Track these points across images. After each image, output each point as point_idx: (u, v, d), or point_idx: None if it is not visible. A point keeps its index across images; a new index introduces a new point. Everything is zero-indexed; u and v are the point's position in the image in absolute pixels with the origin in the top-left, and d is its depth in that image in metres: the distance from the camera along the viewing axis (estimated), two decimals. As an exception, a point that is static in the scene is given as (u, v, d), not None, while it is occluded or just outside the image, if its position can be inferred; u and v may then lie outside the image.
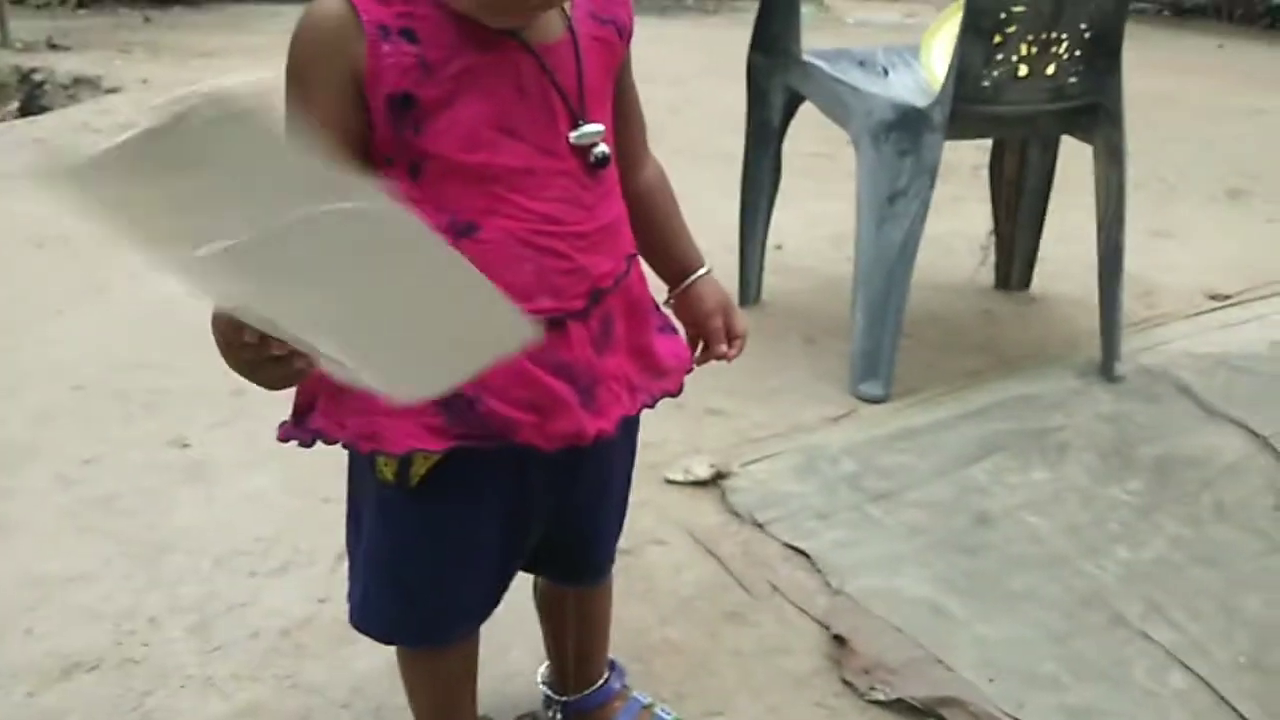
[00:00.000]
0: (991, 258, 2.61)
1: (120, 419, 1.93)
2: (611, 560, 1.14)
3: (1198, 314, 2.44)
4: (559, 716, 1.20)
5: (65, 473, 1.76)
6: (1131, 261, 2.15)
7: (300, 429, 0.92)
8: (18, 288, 2.51)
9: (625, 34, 0.93)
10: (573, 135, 0.86)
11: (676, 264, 1.05)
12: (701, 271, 1.06)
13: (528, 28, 0.84)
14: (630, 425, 1.04)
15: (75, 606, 1.43)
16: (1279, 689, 1.29)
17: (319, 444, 0.93)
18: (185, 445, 1.85)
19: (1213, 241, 2.99)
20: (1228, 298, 2.55)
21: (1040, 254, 2.60)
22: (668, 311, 1.05)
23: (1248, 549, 1.57)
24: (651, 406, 0.99)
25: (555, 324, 0.88)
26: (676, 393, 1.01)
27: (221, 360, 0.77)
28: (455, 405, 0.87)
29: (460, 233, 0.82)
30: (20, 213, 2.99)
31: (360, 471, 0.99)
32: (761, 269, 2.48)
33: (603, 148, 0.87)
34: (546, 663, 1.23)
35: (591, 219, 0.88)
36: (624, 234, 0.95)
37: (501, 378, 0.87)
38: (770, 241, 2.52)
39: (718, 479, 1.73)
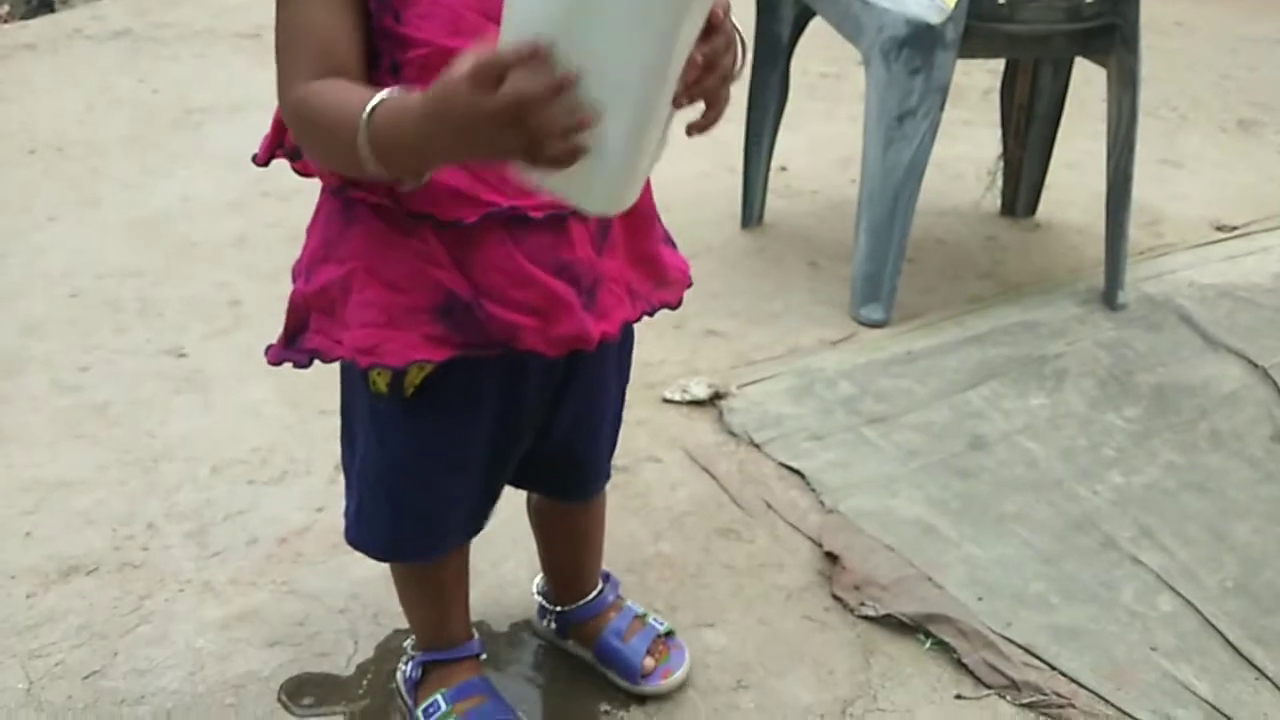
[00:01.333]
0: (999, 183, 2.57)
1: (114, 327, 1.92)
2: (606, 477, 1.14)
3: (1203, 244, 2.41)
4: (553, 625, 1.22)
5: (60, 379, 1.75)
6: (1139, 190, 2.12)
7: (294, 350, 0.91)
8: (9, 195, 2.48)
9: None
10: None
11: None
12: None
13: None
14: (625, 339, 1.03)
15: (72, 511, 1.44)
16: (1263, 612, 1.31)
17: (316, 363, 0.91)
18: (181, 354, 1.84)
19: (1222, 172, 2.94)
20: (1234, 229, 2.52)
21: (1048, 181, 2.56)
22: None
23: (1240, 477, 1.58)
24: (651, 314, 0.98)
25: (556, 221, 0.85)
26: (676, 305, 0.99)
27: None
28: (455, 312, 0.85)
29: None
30: (12, 120, 2.94)
31: (352, 386, 0.97)
32: (765, 190, 2.44)
33: None
34: (541, 573, 1.24)
35: None
36: None
37: (501, 280, 0.85)
38: (775, 163, 2.48)
39: (715, 399, 1.73)
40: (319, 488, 1.51)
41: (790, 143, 2.58)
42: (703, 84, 0.72)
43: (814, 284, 2.19)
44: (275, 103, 0.90)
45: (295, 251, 0.93)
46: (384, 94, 0.71)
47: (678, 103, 0.71)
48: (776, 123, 2.38)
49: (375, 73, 0.81)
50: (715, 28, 0.72)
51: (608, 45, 0.63)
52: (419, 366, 0.90)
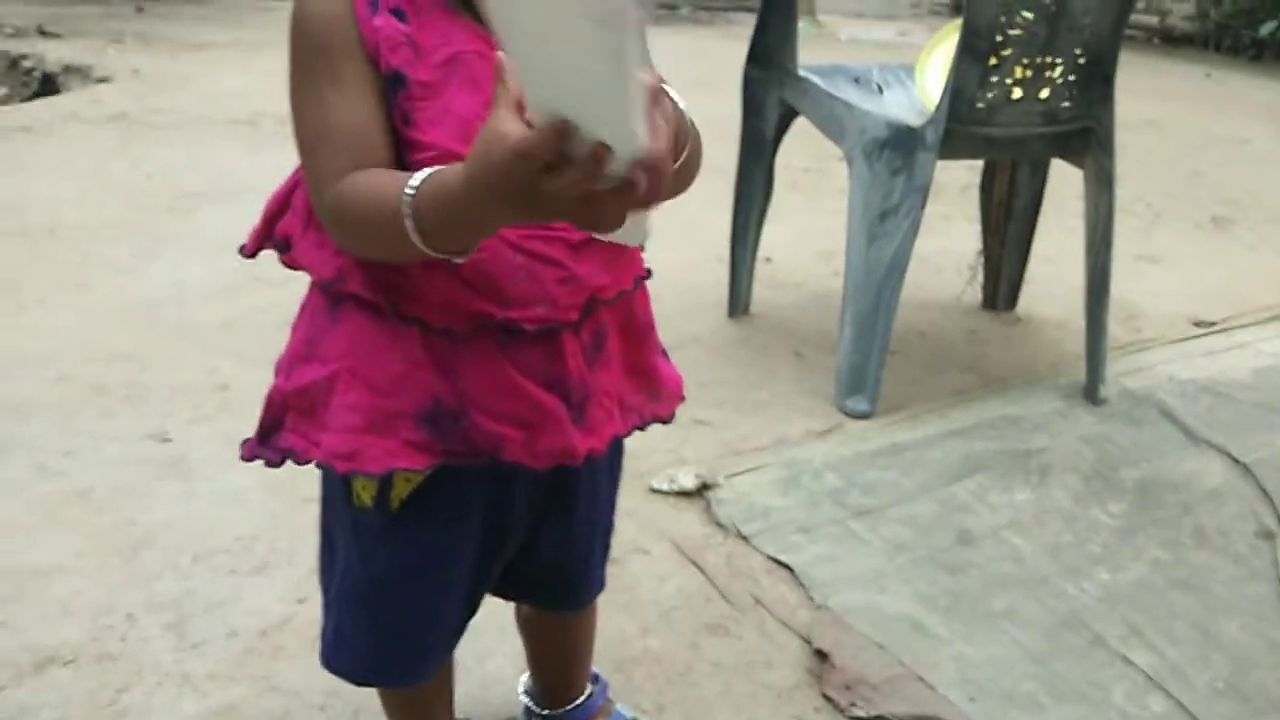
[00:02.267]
0: (979, 278, 2.62)
1: (100, 411, 1.91)
2: (600, 587, 1.11)
3: (1182, 340, 2.46)
4: (539, 731, 1.19)
5: (43, 464, 1.74)
6: (1117, 286, 2.16)
7: (267, 448, 0.90)
8: None
9: None
10: None
11: None
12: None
13: None
14: (617, 448, 1.03)
15: (50, 600, 1.42)
16: (1255, 714, 1.30)
17: (288, 464, 0.90)
18: (166, 439, 1.83)
19: (1197, 268, 3.01)
20: (1212, 324, 2.58)
21: (1027, 275, 2.61)
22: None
23: (1227, 574, 1.58)
24: (642, 429, 0.97)
25: (548, 335, 0.85)
26: (668, 419, 0.99)
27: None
28: (440, 420, 0.84)
29: None
30: (4, 201, 2.96)
31: (333, 499, 0.95)
32: (751, 281, 2.48)
33: None
34: (527, 673, 1.22)
35: None
36: (634, 252, 0.91)
37: (489, 390, 0.84)
38: (761, 254, 2.53)
39: (703, 490, 1.73)
40: (301, 578, 1.49)
41: (775, 235, 2.63)
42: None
43: (799, 374, 2.22)
44: (268, 189, 0.91)
45: (285, 337, 0.93)
46: (424, 173, 0.72)
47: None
48: (762, 215, 2.43)
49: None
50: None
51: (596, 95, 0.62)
52: (405, 478, 0.88)
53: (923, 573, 1.55)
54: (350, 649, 0.98)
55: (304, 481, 1.68)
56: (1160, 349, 2.39)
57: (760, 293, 2.57)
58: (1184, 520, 1.72)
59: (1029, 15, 1.79)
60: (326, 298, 0.87)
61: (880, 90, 2.24)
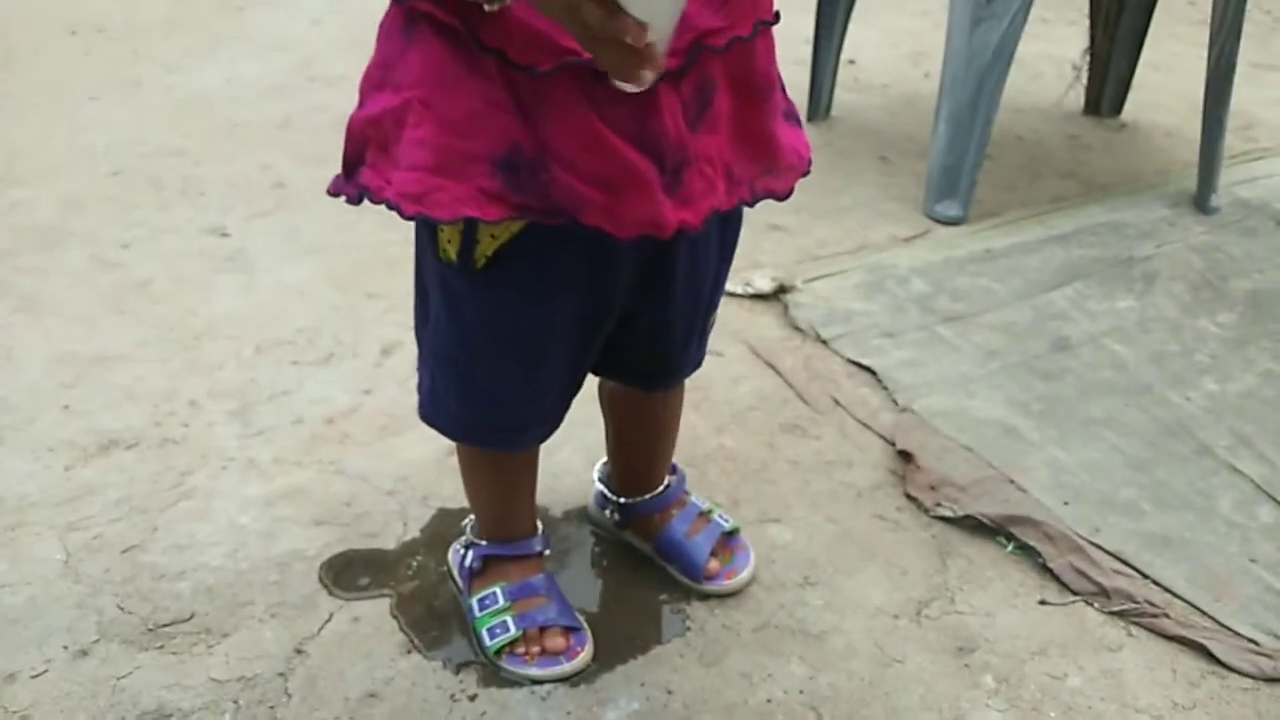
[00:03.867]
0: (1084, 79, 2.41)
1: (156, 205, 1.86)
2: (695, 365, 1.03)
3: (1303, 150, 2.25)
4: (616, 516, 1.15)
5: (101, 255, 1.70)
6: (1233, 93, 1.96)
7: (348, 183, 0.81)
8: (50, 73, 2.41)
9: None
10: None
11: None
12: None
13: None
14: (732, 219, 0.91)
15: (112, 386, 1.39)
16: (1377, 528, 1.21)
17: (365, 202, 0.81)
18: (224, 234, 1.77)
19: (1323, 75, 2.75)
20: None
21: (1135, 80, 2.40)
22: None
23: (1348, 387, 1.47)
24: (751, 204, 0.84)
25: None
26: (785, 195, 0.85)
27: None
28: (517, 169, 0.74)
29: None
30: (55, 0, 2.86)
31: (425, 246, 0.86)
32: (834, 82, 2.31)
33: None
34: (604, 460, 1.17)
35: None
36: None
37: (573, 142, 0.73)
38: (844, 56, 2.34)
39: (780, 293, 1.64)
40: (365, 370, 1.44)
41: (860, 36, 2.44)
42: None
43: (885, 179, 2.07)
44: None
45: (340, 138, 0.82)
46: None
47: None
48: (848, 13, 2.24)
49: None
50: None
51: None
52: (491, 234, 0.80)
53: (1015, 378, 1.46)
54: (444, 405, 0.93)
55: (365, 276, 1.63)
56: (1276, 159, 2.19)
57: (842, 96, 2.40)
58: (1303, 332, 1.59)
59: None
60: (402, 15, 0.76)
61: None
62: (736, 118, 0.80)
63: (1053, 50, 2.69)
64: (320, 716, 0.96)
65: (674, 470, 1.15)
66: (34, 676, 0.98)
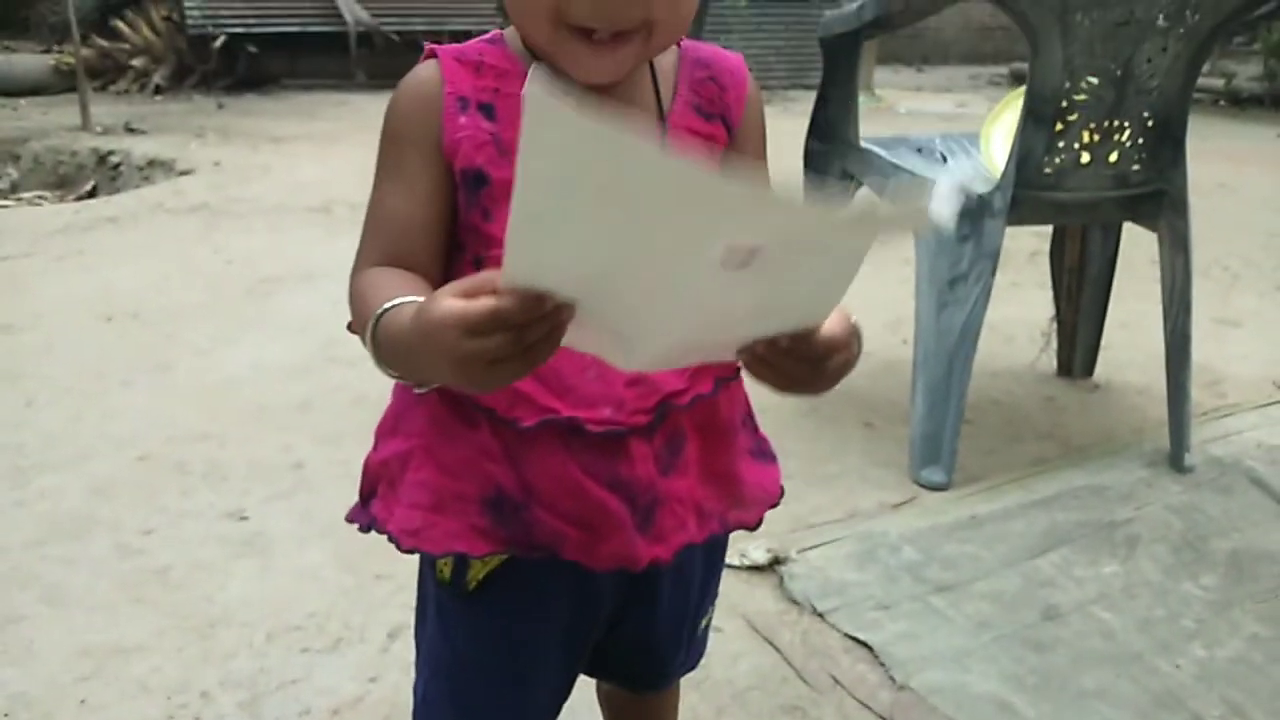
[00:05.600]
0: (1053, 345, 2.57)
1: (180, 490, 1.95)
2: (689, 668, 1.08)
3: (1268, 404, 2.37)
4: (615, 807, 1.16)
5: (125, 543, 1.77)
6: (1197, 350, 2.10)
7: (362, 512, 0.90)
8: (86, 360, 2.57)
9: (736, 127, 0.87)
10: None
11: None
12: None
13: (612, 102, 0.81)
14: (717, 543, 0.98)
15: (129, 679, 1.43)
16: (1378, 805, 1.22)
17: (365, 538, 0.91)
18: (243, 517, 1.86)
19: (1280, 330, 2.92)
20: (1297, 388, 2.48)
21: (1104, 340, 2.56)
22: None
23: (1335, 652, 1.50)
24: (722, 535, 0.93)
25: (614, 437, 0.83)
26: (754, 526, 0.93)
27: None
28: (502, 509, 0.83)
29: None
30: (92, 288, 3.09)
31: (425, 567, 0.95)
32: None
33: None
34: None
35: None
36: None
37: (552, 486, 0.82)
38: None
39: (775, 564, 1.70)
40: (372, 656, 1.48)
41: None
42: (772, 358, 0.69)
43: (870, 445, 2.18)
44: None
45: (359, 415, 0.93)
46: (394, 302, 0.71)
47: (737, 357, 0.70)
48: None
49: (458, 264, 0.82)
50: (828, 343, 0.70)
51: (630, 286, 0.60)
52: (482, 561, 0.87)
53: (1008, 650, 1.49)
54: (435, 717, 0.97)
55: (375, 558, 1.70)
56: (1245, 414, 2.30)
57: (827, 364, 2.54)
58: (1285, 594, 1.64)
59: (1094, 80, 1.79)
60: None
61: (944, 159, 2.24)
62: (704, 460, 0.89)
63: (1024, 314, 2.87)
64: None
65: (675, 758, 1.18)
66: None
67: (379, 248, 0.81)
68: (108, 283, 3.14)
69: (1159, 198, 1.94)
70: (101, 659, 1.47)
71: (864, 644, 1.50)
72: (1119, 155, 1.87)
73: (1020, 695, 1.40)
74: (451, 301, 0.62)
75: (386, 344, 0.71)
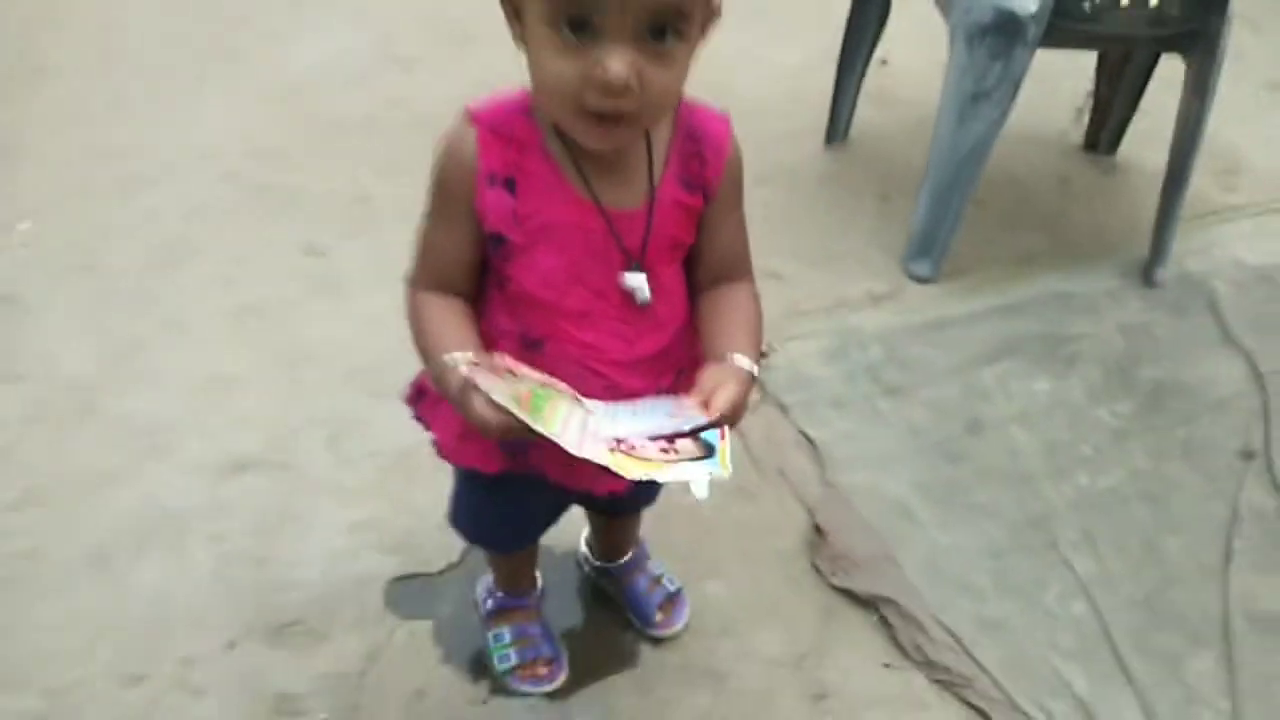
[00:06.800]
0: (1085, 119, 2.63)
1: (263, 217, 2.27)
2: (650, 501, 1.46)
3: (1268, 212, 2.48)
4: (591, 571, 1.62)
5: (223, 272, 2.13)
6: (1228, 125, 2.20)
7: (414, 405, 1.24)
8: (157, 51, 2.76)
9: (713, 194, 1.07)
10: (621, 280, 1.05)
11: (712, 353, 1.09)
12: (732, 358, 1.06)
13: (610, 191, 1.02)
14: None
15: (235, 411, 1.85)
16: (1155, 628, 1.62)
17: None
18: (320, 254, 2.19)
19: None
20: (1309, 190, 2.57)
21: (1137, 115, 2.59)
22: None
23: (1193, 491, 1.83)
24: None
25: None
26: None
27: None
28: (513, 447, 1.15)
29: (529, 346, 1.08)
30: None
31: None
32: (852, 110, 2.58)
33: (644, 295, 1.06)
34: (587, 530, 1.63)
35: (631, 351, 1.09)
36: (673, 355, 1.13)
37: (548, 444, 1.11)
38: (878, 54, 2.55)
39: (761, 355, 2.02)
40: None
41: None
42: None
43: (879, 222, 2.39)
44: None
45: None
46: (450, 357, 1.01)
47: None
48: (873, 46, 2.48)
49: (487, 281, 1.09)
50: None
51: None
52: None
53: (926, 458, 1.85)
54: (465, 522, 1.39)
55: None
56: (1239, 221, 2.43)
57: (865, 111, 2.64)
58: (1179, 430, 1.94)
59: (1149, -72, 1.75)
60: None
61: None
62: None
63: (1073, 82, 2.84)
64: (385, 705, 1.47)
65: (639, 542, 1.61)
66: (204, 660, 1.50)
67: (429, 273, 1.09)
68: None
69: (1193, 37, 1.96)
70: (215, 392, 1.89)
71: (811, 440, 1.87)
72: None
73: (922, 502, 1.78)
74: (484, 410, 0.95)
75: (437, 378, 1.04)
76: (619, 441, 0.95)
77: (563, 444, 0.93)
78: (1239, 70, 2.90)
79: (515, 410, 0.93)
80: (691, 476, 0.93)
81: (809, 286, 2.20)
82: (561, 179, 1.03)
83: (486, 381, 0.95)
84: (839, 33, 2.53)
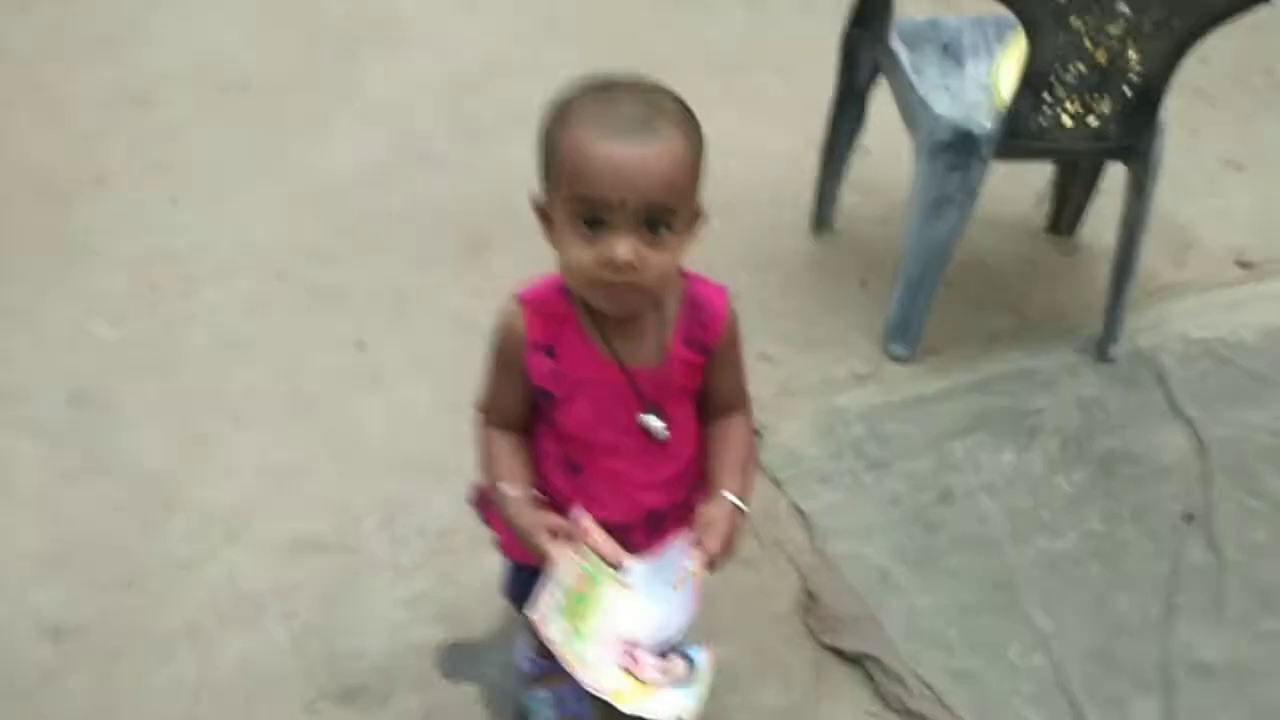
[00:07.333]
0: (1046, 205, 2.91)
1: (314, 313, 2.53)
2: None
3: (1214, 288, 2.73)
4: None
5: (281, 367, 2.40)
6: (1184, 201, 2.49)
7: (478, 507, 1.52)
8: (210, 148, 3.04)
9: (712, 350, 1.33)
10: (639, 420, 1.33)
11: (711, 483, 1.39)
12: (723, 494, 1.35)
13: (629, 353, 1.30)
14: None
15: (300, 496, 2.12)
16: (1107, 677, 1.87)
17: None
18: (363, 347, 2.45)
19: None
20: (1251, 265, 2.83)
21: (1102, 186, 2.77)
22: None
23: (1141, 551, 2.09)
24: None
25: (619, 529, 1.36)
26: None
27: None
28: None
29: (571, 469, 1.36)
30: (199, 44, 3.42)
31: None
32: (833, 204, 2.84)
33: (661, 433, 1.33)
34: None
35: (651, 475, 1.37)
36: (687, 476, 1.40)
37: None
38: (861, 142, 2.77)
39: (756, 434, 2.29)
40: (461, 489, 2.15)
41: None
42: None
43: (859, 307, 2.65)
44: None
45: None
46: (512, 493, 1.32)
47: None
48: (850, 146, 2.76)
49: (538, 417, 1.37)
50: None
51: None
52: None
53: (905, 528, 2.11)
54: (516, 595, 1.63)
55: (466, 398, 2.28)
56: (1186, 298, 2.67)
57: (849, 198, 2.89)
58: (1130, 495, 2.19)
59: (1082, 68, 2.04)
60: None
61: (961, 64, 2.47)
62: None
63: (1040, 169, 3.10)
64: (440, 759, 1.72)
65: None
66: (283, 721, 1.75)
67: (495, 412, 1.38)
68: (217, 44, 3.47)
69: (1130, 150, 2.24)
70: (279, 477, 2.16)
71: (802, 512, 2.13)
72: (1099, 121, 2.15)
73: (902, 568, 2.03)
74: (547, 542, 1.26)
75: (498, 497, 1.33)
76: (631, 646, 1.28)
77: (578, 677, 1.23)
78: (1193, 144, 3.19)
79: (557, 619, 1.27)
80: (667, 714, 1.25)
81: (797, 368, 2.47)
82: (590, 345, 1.31)
83: (557, 557, 1.26)
84: (824, 116, 2.76)
